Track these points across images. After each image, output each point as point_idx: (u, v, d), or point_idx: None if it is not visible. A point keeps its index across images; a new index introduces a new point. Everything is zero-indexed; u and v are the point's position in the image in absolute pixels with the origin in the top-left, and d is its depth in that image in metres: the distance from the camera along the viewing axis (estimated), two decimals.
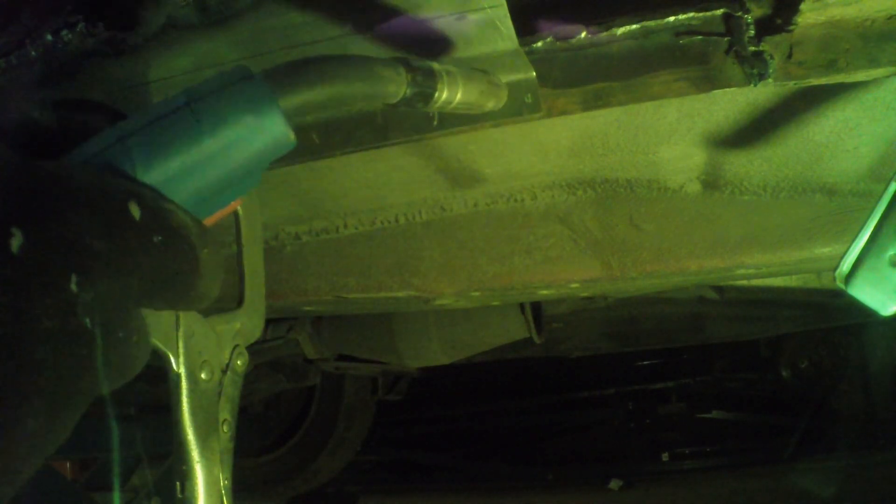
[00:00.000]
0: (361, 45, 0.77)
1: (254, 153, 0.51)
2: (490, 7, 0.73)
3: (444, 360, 2.07)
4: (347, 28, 0.76)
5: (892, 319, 0.75)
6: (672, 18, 0.79)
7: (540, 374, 3.68)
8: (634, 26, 0.80)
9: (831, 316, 2.31)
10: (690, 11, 0.78)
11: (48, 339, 0.39)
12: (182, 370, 0.63)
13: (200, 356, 0.64)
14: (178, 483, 0.63)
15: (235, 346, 0.69)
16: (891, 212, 0.75)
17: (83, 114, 0.55)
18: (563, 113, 0.83)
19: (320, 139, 0.85)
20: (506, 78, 0.78)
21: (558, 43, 0.81)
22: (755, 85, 0.78)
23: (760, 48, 0.77)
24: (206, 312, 0.67)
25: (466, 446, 3.76)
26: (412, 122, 0.82)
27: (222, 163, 0.50)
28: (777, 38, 0.76)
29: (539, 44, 0.81)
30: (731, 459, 3.23)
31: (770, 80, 0.78)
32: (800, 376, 3.24)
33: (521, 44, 0.77)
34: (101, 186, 0.45)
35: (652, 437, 3.52)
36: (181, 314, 0.63)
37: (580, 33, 0.80)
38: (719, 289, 2.09)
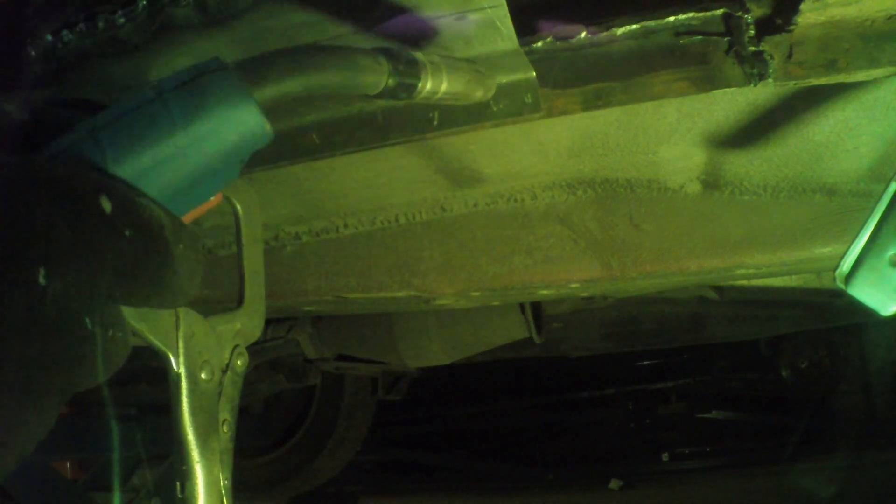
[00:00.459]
0: (361, 46, 0.77)
1: (229, 145, 0.50)
2: (490, 7, 0.73)
3: (444, 360, 2.07)
4: (347, 28, 0.76)
5: (892, 319, 0.75)
6: (672, 18, 0.79)
7: (540, 374, 3.67)
8: (634, 26, 0.80)
9: (831, 316, 2.31)
10: (690, 11, 0.78)
11: (16, 332, 0.39)
12: (182, 370, 0.63)
13: (200, 356, 0.64)
14: (178, 483, 0.63)
15: (235, 346, 0.69)
16: (891, 212, 0.75)
17: (61, 109, 0.54)
18: (563, 113, 0.83)
19: (320, 139, 0.85)
20: (506, 78, 0.78)
21: (558, 43, 0.81)
22: (755, 85, 0.78)
23: (760, 48, 0.77)
24: (206, 312, 0.67)
25: (466, 446, 3.76)
26: (413, 122, 0.82)
27: (196, 155, 0.50)
28: (777, 38, 0.76)
29: (539, 44, 0.81)
30: (731, 459, 3.24)
31: (770, 80, 0.78)
32: (800, 376, 3.24)
33: (521, 44, 0.77)
34: (71, 180, 0.45)
35: (652, 437, 3.52)
36: (181, 314, 0.63)
37: (580, 33, 0.80)
38: (719, 289, 2.09)
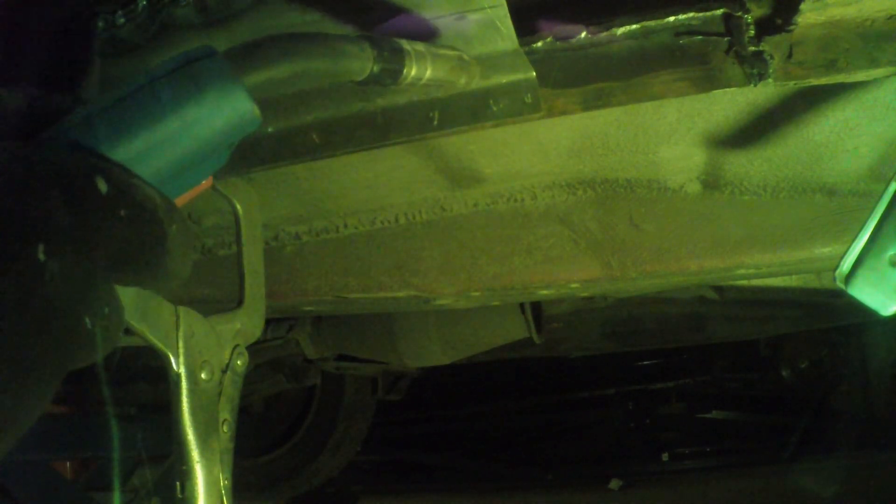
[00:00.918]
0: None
1: (218, 130, 0.52)
2: (490, 7, 0.73)
3: (444, 360, 2.07)
4: (347, 28, 0.77)
5: (892, 319, 0.75)
6: (672, 18, 0.79)
7: (540, 374, 3.67)
8: (634, 26, 0.80)
9: (831, 316, 2.31)
10: (690, 11, 0.78)
11: (16, 308, 0.39)
12: (182, 370, 0.63)
13: (200, 356, 0.64)
14: (178, 483, 0.63)
15: (235, 346, 0.69)
16: (891, 212, 0.75)
17: (57, 98, 0.55)
18: (563, 113, 0.83)
19: (320, 139, 0.85)
20: (506, 78, 0.78)
21: (558, 43, 0.81)
22: (755, 85, 0.78)
23: (760, 48, 0.77)
24: (206, 312, 0.67)
25: (466, 446, 3.75)
26: (412, 122, 0.82)
27: (186, 140, 0.51)
28: (777, 38, 0.76)
29: (539, 44, 0.81)
30: (731, 459, 3.23)
31: (770, 80, 0.78)
32: (800, 376, 3.24)
33: (521, 44, 0.77)
34: (68, 163, 0.46)
35: (652, 437, 3.52)
36: (181, 314, 0.63)
37: (580, 33, 0.80)
38: (719, 289, 2.09)
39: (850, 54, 0.75)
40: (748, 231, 1.09)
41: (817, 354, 3.21)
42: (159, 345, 0.61)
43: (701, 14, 0.78)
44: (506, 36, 0.75)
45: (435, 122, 0.82)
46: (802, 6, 0.73)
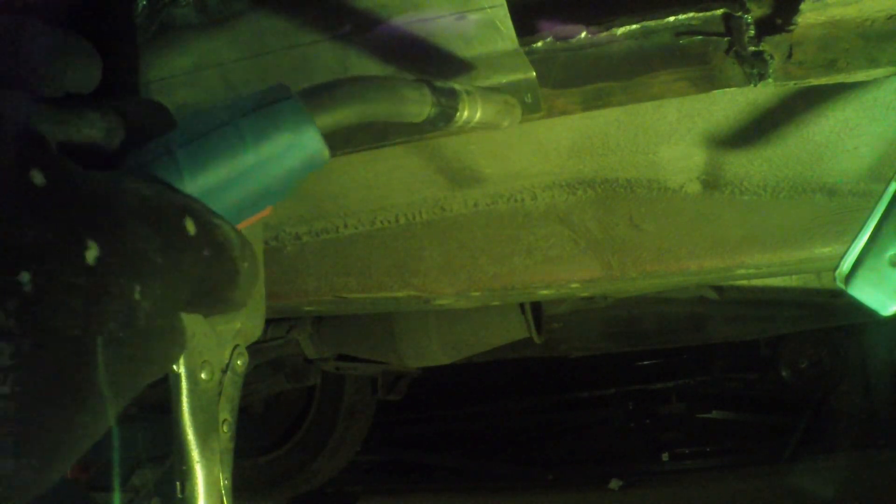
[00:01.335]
0: (361, 46, 0.77)
1: (291, 168, 0.54)
2: (490, 7, 0.73)
3: (444, 360, 2.07)
4: (347, 28, 0.77)
5: (892, 319, 0.75)
6: (672, 18, 0.79)
7: (540, 374, 3.68)
8: (634, 26, 0.80)
9: (831, 316, 2.31)
10: (690, 11, 0.78)
11: (111, 342, 0.42)
12: (182, 370, 0.63)
13: (200, 356, 0.64)
14: (178, 483, 0.63)
15: (235, 346, 0.69)
16: (891, 212, 0.75)
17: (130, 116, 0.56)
18: (563, 113, 0.83)
19: None
20: (506, 78, 0.79)
21: (558, 43, 0.81)
22: (755, 85, 0.78)
23: (760, 48, 0.77)
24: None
25: (466, 446, 3.75)
26: None
27: (261, 176, 0.54)
28: (777, 38, 0.76)
29: (539, 44, 0.81)
30: (731, 459, 3.23)
31: (770, 80, 0.78)
32: (800, 376, 3.24)
33: (521, 44, 0.77)
34: (159, 201, 0.48)
35: (652, 437, 3.52)
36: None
37: (580, 33, 0.80)
38: (719, 289, 2.09)
39: (850, 54, 0.76)
40: (748, 231, 1.09)
41: (817, 354, 3.21)
42: None
43: (701, 14, 0.78)
44: (506, 36, 0.75)
45: None
46: (802, 6, 0.73)
